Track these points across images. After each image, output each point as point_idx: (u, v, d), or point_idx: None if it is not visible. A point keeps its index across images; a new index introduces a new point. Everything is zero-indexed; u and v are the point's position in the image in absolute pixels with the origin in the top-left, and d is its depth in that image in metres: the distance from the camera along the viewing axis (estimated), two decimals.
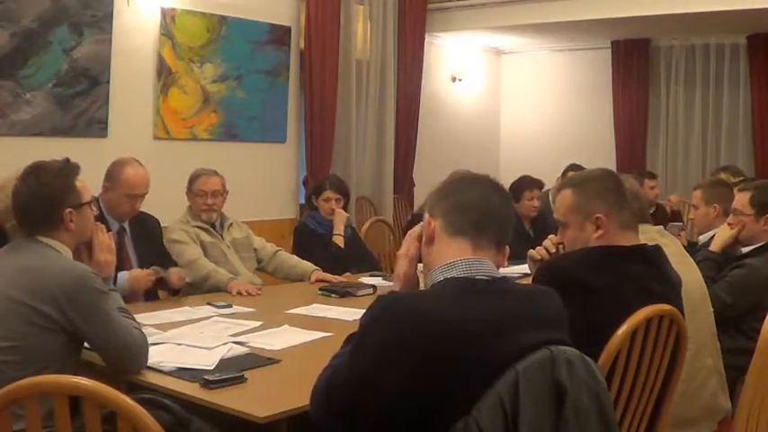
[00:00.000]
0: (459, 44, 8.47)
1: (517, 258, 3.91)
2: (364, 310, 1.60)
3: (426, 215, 1.73)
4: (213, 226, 3.96)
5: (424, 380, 1.46)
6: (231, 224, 4.04)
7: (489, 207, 1.69)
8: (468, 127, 8.60)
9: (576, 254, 2.20)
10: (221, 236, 3.96)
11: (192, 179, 3.96)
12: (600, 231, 2.18)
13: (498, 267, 1.67)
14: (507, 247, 1.72)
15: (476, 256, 1.63)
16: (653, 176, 6.22)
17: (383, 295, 1.62)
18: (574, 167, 5.92)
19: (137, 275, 3.29)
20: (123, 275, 3.25)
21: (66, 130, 4.96)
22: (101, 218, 3.23)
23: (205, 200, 3.90)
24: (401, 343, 1.48)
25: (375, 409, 1.50)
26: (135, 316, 2.43)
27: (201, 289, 3.64)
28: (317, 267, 4.02)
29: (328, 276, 3.93)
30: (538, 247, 2.47)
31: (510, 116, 9.15)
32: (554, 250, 2.40)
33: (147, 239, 3.56)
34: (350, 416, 1.57)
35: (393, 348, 1.48)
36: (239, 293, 3.55)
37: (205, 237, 3.88)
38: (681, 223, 5.46)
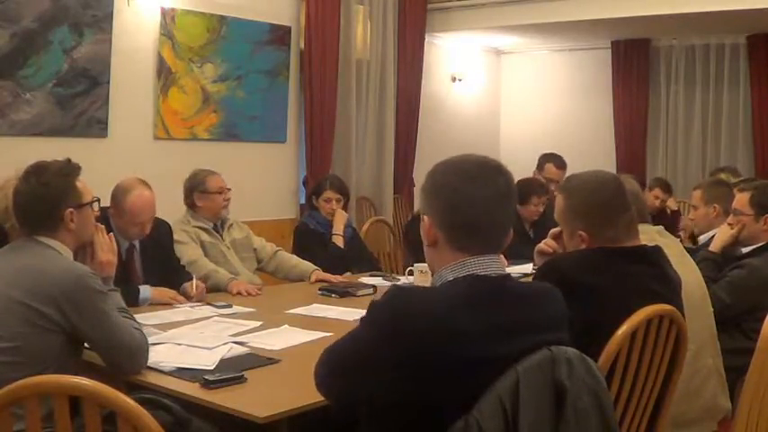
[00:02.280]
0: (459, 44, 8.47)
1: (518, 258, 3.96)
2: (366, 309, 1.62)
3: (425, 218, 1.68)
4: (214, 226, 3.96)
5: (421, 375, 1.47)
6: (231, 224, 4.05)
7: (492, 219, 1.64)
8: (469, 127, 8.60)
9: (577, 254, 2.20)
10: (221, 236, 3.96)
11: (202, 180, 3.95)
12: (584, 245, 2.19)
13: None
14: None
15: (483, 255, 1.63)
16: (666, 189, 6.19)
17: (397, 285, 1.64)
18: (551, 158, 5.83)
19: (160, 296, 3.27)
20: (147, 290, 3.24)
21: (66, 130, 4.96)
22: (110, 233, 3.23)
23: (225, 195, 3.95)
24: (401, 334, 1.49)
25: (369, 392, 1.52)
26: (135, 316, 2.43)
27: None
28: (316, 267, 4.01)
29: (328, 276, 3.93)
30: (544, 240, 2.46)
31: (510, 116, 9.15)
32: (558, 234, 2.39)
33: (156, 249, 3.50)
34: (348, 393, 1.60)
35: (392, 337, 1.50)
36: (239, 293, 3.55)
37: (205, 237, 3.89)
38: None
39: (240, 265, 3.93)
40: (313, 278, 3.93)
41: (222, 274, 3.69)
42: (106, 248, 2.47)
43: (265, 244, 4.15)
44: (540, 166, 5.77)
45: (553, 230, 2.42)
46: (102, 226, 2.53)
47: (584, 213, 2.20)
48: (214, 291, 3.60)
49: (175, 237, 3.73)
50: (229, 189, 4.02)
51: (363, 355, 1.55)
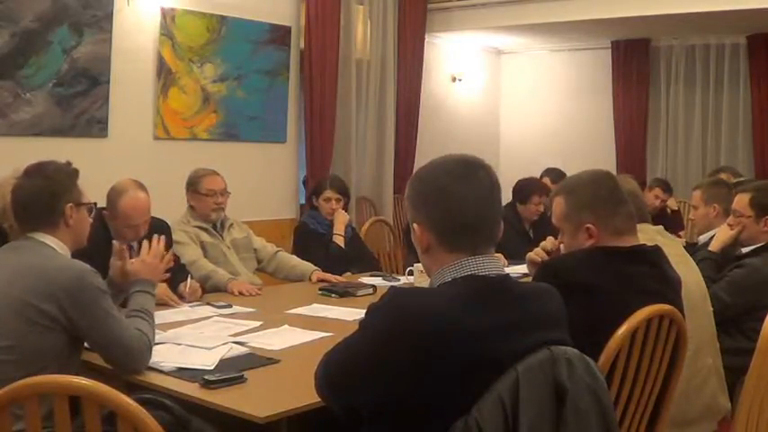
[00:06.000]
0: (459, 44, 8.47)
1: (517, 258, 3.96)
2: (365, 309, 1.62)
3: (415, 226, 1.67)
4: (214, 226, 3.95)
5: (419, 376, 1.47)
6: (231, 224, 4.04)
7: (484, 215, 1.63)
8: (468, 127, 8.60)
9: (577, 254, 2.20)
10: (221, 236, 3.96)
11: (196, 180, 3.93)
12: (591, 240, 2.19)
13: None
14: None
15: (480, 255, 1.63)
16: (666, 189, 6.22)
17: (395, 287, 1.63)
18: (550, 172, 5.92)
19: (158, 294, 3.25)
20: None
21: (66, 130, 4.96)
22: (107, 235, 3.23)
23: (216, 199, 3.89)
24: (400, 336, 1.49)
25: (368, 394, 1.52)
26: None
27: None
28: (317, 268, 4.01)
29: (329, 276, 3.92)
30: (536, 249, 2.47)
31: (510, 116, 9.15)
32: (550, 248, 2.40)
33: None
34: (348, 396, 1.59)
35: (391, 339, 1.50)
36: (240, 293, 3.54)
37: (205, 237, 3.88)
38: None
39: (240, 266, 3.93)
40: (314, 278, 3.93)
41: (221, 275, 3.69)
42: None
43: (266, 244, 4.14)
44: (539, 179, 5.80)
45: (545, 243, 2.42)
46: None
47: (590, 205, 2.20)
48: (214, 291, 3.60)
49: (175, 237, 3.72)
50: (228, 193, 3.98)
51: (363, 358, 1.54)
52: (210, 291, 3.59)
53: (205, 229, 3.90)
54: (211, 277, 3.66)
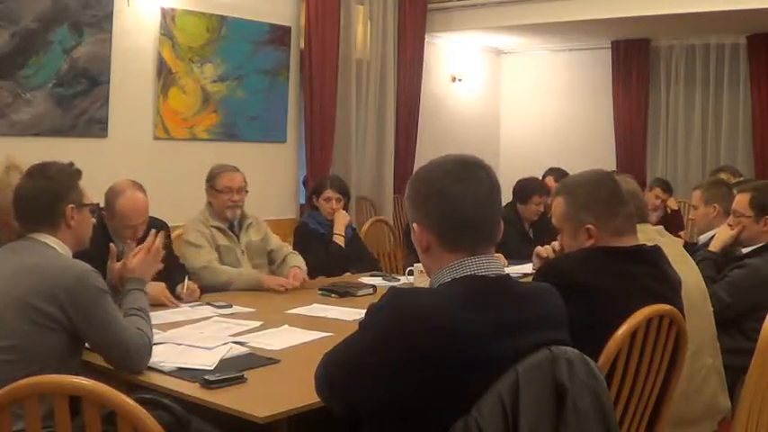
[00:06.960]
0: (459, 44, 8.48)
1: (517, 258, 3.96)
2: (365, 310, 1.62)
3: (415, 226, 1.67)
4: (231, 227, 3.89)
5: (419, 376, 1.46)
6: (250, 224, 3.97)
7: (483, 215, 1.63)
8: (468, 127, 8.61)
9: (578, 254, 2.20)
10: (238, 238, 3.89)
11: (214, 176, 3.90)
12: (591, 240, 2.19)
13: None
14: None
15: (480, 255, 1.63)
16: (666, 189, 6.23)
17: (395, 287, 1.63)
18: (553, 171, 5.94)
19: (154, 292, 3.20)
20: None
21: (66, 130, 4.97)
22: (106, 235, 3.23)
23: (231, 196, 3.85)
24: (400, 336, 1.49)
25: (368, 394, 1.52)
26: None
27: (216, 291, 3.57)
28: (297, 264, 3.89)
29: (283, 281, 3.74)
30: (546, 246, 2.47)
31: (510, 116, 9.16)
32: (559, 248, 2.40)
33: None
34: (347, 397, 1.59)
35: (391, 339, 1.50)
36: (281, 286, 3.58)
37: (222, 240, 3.81)
38: None
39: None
40: (290, 275, 3.79)
41: (246, 275, 3.66)
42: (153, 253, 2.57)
43: (282, 245, 4.05)
44: (542, 178, 5.80)
45: (555, 243, 2.43)
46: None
47: (590, 206, 2.20)
48: (244, 290, 3.57)
49: (190, 238, 3.68)
50: (246, 191, 3.94)
51: (363, 359, 1.54)
52: (239, 289, 3.56)
53: (222, 230, 3.84)
54: (234, 281, 3.61)
